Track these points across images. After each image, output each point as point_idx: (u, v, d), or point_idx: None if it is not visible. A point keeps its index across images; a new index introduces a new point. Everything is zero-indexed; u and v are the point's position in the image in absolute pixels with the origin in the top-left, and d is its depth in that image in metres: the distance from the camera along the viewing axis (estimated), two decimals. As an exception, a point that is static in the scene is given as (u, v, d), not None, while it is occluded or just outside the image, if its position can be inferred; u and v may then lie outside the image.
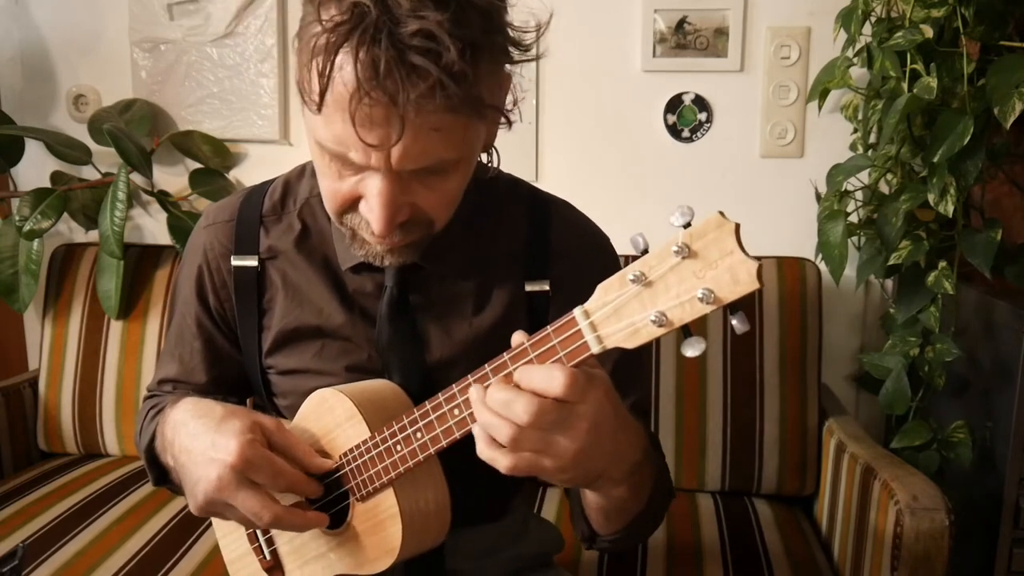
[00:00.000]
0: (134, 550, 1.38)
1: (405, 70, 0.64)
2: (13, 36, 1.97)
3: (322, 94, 0.68)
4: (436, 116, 0.67)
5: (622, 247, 0.62)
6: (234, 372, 0.98)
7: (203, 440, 0.78)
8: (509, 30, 0.74)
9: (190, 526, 1.45)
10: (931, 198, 1.40)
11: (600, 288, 0.62)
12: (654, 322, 0.59)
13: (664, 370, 1.62)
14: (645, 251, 0.60)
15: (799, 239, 1.76)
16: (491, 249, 0.91)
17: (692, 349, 0.59)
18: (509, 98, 0.79)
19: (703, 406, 1.60)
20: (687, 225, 0.58)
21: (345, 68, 0.66)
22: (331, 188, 0.77)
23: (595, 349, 0.62)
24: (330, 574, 0.84)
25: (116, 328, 1.81)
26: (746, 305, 1.59)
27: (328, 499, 0.83)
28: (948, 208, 1.38)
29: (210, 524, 1.45)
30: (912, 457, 1.48)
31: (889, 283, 1.76)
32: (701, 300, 0.57)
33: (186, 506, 1.51)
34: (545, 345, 0.65)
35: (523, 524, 1.04)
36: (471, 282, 0.90)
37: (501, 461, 0.66)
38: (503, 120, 0.80)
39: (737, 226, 0.57)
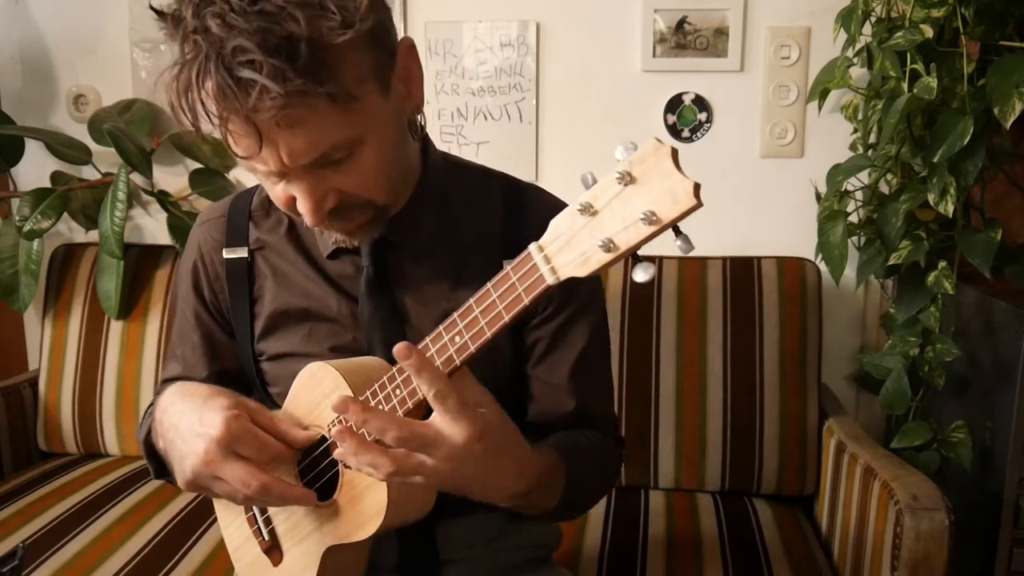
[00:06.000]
0: (134, 550, 1.38)
1: (237, 86, 0.68)
2: (13, 36, 1.97)
3: (196, 126, 0.74)
4: (284, 114, 0.70)
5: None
6: (233, 366, 1.01)
7: (190, 417, 0.82)
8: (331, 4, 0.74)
9: (190, 526, 1.45)
10: (931, 198, 1.40)
11: (552, 223, 0.64)
12: (602, 247, 0.61)
13: (664, 370, 1.62)
14: None
15: (799, 239, 1.76)
16: (466, 228, 0.95)
17: (642, 274, 0.61)
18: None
19: (703, 406, 1.60)
20: None
21: (202, 102, 0.72)
22: (272, 194, 0.83)
23: (550, 280, 0.64)
24: (323, 547, 0.86)
25: (116, 328, 1.81)
26: (746, 304, 1.60)
27: (318, 471, 0.84)
28: (948, 208, 1.38)
29: (211, 524, 1.45)
30: (912, 457, 1.48)
31: (889, 283, 1.76)
32: (643, 221, 0.59)
33: (186, 506, 1.51)
34: (505, 284, 0.67)
35: (519, 515, 1.05)
36: (447, 260, 0.93)
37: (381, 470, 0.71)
38: (400, 75, 0.81)
39: (674, 150, 0.59)
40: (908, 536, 1.15)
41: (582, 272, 0.63)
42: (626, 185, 0.60)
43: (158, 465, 0.95)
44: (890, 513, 1.19)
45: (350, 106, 0.74)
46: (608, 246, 0.60)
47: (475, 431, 0.70)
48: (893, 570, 1.17)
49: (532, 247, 0.65)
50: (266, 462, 0.79)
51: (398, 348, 0.68)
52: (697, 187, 0.57)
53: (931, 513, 1.14)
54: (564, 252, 0.63)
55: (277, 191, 0.81)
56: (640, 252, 0.62)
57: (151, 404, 1.01)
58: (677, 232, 0.60)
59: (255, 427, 0.80)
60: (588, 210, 0.62)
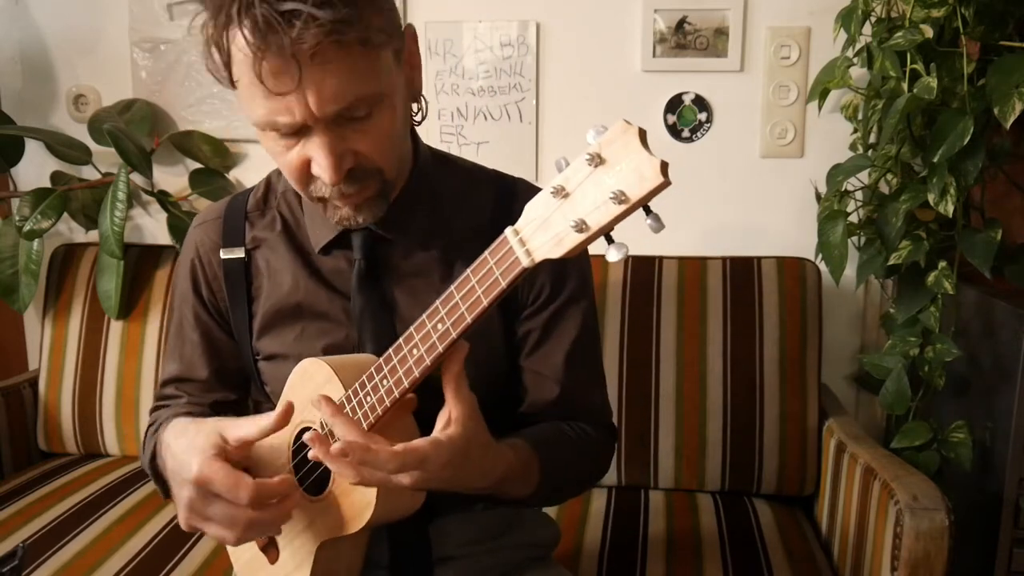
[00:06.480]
0: (135, 550, 1.38)
1: (281, 18, 0.71)
2: (13, 36, 1.97)
3: (228, 66, 0.76)
4: (323, 48, 0.72)
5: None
6: (233, 365, 1.02)
7: (177, 461, 0.84)
8: None
9: (190, 526, 1.45)
10: (931, 198, 1.40)
11: (527, 207, 0.65)
12: (574, 228, 0.62)
13: (664, 370, 1.62)
14: None
15: (799, 239, 1.76)
16: (457, 222, 0.96)
17: (615, 253, 0.62)
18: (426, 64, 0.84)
19: (703, 406, 1.60)
20: None
21: (237, 39, 0.74)
22: (285, 163, 0.83)
23: (525, 262, 0.65)
24: (316, 543, 0.86)
25: (116, 328, 1.81)
26: (746, 304, 1.60)
27: (311, 466, 0.85)
28: (948, 208, 1.38)
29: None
30: (912, 457, 1.48)
31: (889, 283, 1.76)
32: (613, 200, 0.60)
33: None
34: (483, 269, 0.69)
35: (517, 514, 1.05)
36: (437, 253, 0.94)
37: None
38: (405, 57, 0.85)
39: (642, 131, 0.60)
40: (908, 536, 1.15)
41: (556, 253, 0.64)
42: (596, 167, 0.61)
43: (166, 487, 0.95)
44: (890, 513, 1.19)
45: (377, 54, 0.77)
46: (580, 227, 0.61)
47: (440, 461, 0.73)
48: (893, 570, 1.17)
49: (508, 231, 0.66)
50: (244, 503, 0.77)
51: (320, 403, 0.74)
52: (664, 165, 0.58)
53: (931, 513, 1.14)
54: (538, 234, 0.64)
55: (291, 156, 0.81)
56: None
57: (150, 425, 1.02)
58: (648, 211, 0.60)
59: (227, 466, 0.78)
60: (560, 192, 0.63)
